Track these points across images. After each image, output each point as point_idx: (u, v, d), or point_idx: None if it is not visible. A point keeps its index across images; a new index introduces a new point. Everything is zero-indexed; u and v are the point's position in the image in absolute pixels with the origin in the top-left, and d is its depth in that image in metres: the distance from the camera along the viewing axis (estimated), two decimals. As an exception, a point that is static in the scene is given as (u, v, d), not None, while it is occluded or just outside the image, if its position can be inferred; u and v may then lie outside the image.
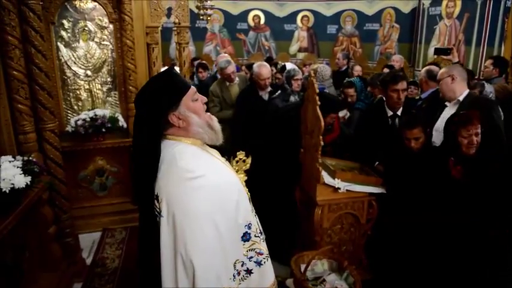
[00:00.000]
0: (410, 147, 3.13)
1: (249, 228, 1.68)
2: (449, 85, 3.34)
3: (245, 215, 1.67)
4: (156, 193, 1.57)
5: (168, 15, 5.21)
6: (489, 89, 3.97)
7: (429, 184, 2.90)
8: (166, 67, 5.60)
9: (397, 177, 3.15)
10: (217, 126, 1.75)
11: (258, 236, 1.71)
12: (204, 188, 1.55)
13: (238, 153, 3.23)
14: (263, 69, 4.52)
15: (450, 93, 3.37)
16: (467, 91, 3.36)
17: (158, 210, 1.55)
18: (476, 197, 2.66)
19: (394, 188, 3.17)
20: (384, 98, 3.62)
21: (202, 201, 1.52)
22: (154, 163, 1.61)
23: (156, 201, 1.57)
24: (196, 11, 7.37)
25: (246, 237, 1.66)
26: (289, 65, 6.01)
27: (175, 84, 1.66)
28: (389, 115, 3.50)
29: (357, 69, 6.62)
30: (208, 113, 1.76)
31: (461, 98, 3.32)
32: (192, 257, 1.47)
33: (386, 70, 6.35)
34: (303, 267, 2.76)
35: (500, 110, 3.40)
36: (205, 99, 1.77)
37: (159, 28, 4.35)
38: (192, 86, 1.71)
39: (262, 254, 1.71)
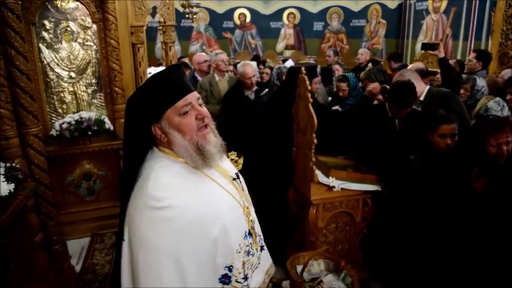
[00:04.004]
0: (446, 144, 2.81)
1: (230, 271, 1.45)
2: None
3: (226, 255, 1.44)
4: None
5: (153, 14, 5.12)
6: (481, 83, 3.96)
7: (449, 194, 2.66)
8: (152, 67, 5.51)
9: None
10: (209, 150, 1.45)
11: (240, 282, 1.48)
12: (170, 222, 1.33)
13: (229, 153, 3.16)
14: (247, 68, 4.49)
15: None
16: (426, 88, 3.34)
17: (122, 232, 1.42)
18: (498, 215, 2.41)
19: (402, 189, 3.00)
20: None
21: (164, 236, 1.32)
22: (133, 176, 1.45)
23: (124, 222, 1.42)
24: (181, 9, 7.27)
25: (225, 279, 1.45)
26: (289, 63, 6.01)
27: (163, 92, 1.41)
28: (390, 115, 3.39)
29: (336, 68, 6.56)
30: (205, 132, 1.46)
31: (422, 98, 3.32)
32: None
33: (370, 65, 6.36)
34: (299, 268, 2.71)
35: (458, 98, 3.40)
36: (204, 113, 1.46)
37: (144, 27, 4.25)
38: (187, 97, 1.43)
39: None
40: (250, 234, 1.58)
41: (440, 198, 2.71)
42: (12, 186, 2.47)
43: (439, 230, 2.71)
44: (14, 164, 2.75)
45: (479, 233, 2.47)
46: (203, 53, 6.25)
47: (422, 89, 3.33)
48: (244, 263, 1.51)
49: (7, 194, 2.42)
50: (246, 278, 1.51)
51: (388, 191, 3.17)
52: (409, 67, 4.63)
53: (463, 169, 2.67)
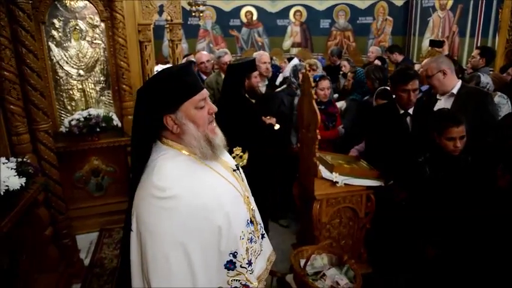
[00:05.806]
0: (455, 147, 2.72)
1: (234, 257, 1.51)
2: (442, 80, 3.22)
3: (230, 242, 1.49)
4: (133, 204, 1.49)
5: (160, 13, 5.18)
6: (486, 80, 3.95)
7: (471, 192, 2.56)
8: (160, 65, 5.57)
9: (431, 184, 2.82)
10: (217, 142, 1.56)
11: (245, 267, 1.54)
12: (174, 211, 1.39)
13: (234, 149, 3.22)
14: (264, 54, 4.69)
15: (443, 88, 3.26)
16: (459, 83, 3.25)
17: (130, 222, 1.48)
18: None
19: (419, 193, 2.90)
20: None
21: (169, 225, 1.38)
22: (140, 170, 1.51)
23: (132, 213, 1.49)
24: (188, 8, 7.33)
25: (230, 265, 1.51)
26: (295, 61, 6.09)
27: (183, 85, 1.48)
28: (400, 113, 3.30)
29: (344, 64, 6.55)
30: (213, 126, 1.57)
31: (455, 91, 3.21)
32: (151, 282, 1.39)
33: (377, 62, 6.35)
34: (302, 262, 2.74)
35: (494, 102, 3.32)
36: (214, 108, 1.56)
37: (152, 25, 4.30)
38: (203, 92, 1.53)
39: (247, 287, 1.57)
40: (251, 222, 1.66)
41: (458, 198, 2.62)
42: (23, 180, 2.53)
43: (456, 230, 2.62)
44: (25, 159, 2.81)
45: (504, 231, 2.36)
46: (204, 53, 6.26)
47: (454, 81, 3.23)
48: (247, 249, 1.58)
49: (18, 187, 2.47)
50: (250, 263, 1.58)
51: (403, 195, 3.10)
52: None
53: (481, 167, 2.60)
